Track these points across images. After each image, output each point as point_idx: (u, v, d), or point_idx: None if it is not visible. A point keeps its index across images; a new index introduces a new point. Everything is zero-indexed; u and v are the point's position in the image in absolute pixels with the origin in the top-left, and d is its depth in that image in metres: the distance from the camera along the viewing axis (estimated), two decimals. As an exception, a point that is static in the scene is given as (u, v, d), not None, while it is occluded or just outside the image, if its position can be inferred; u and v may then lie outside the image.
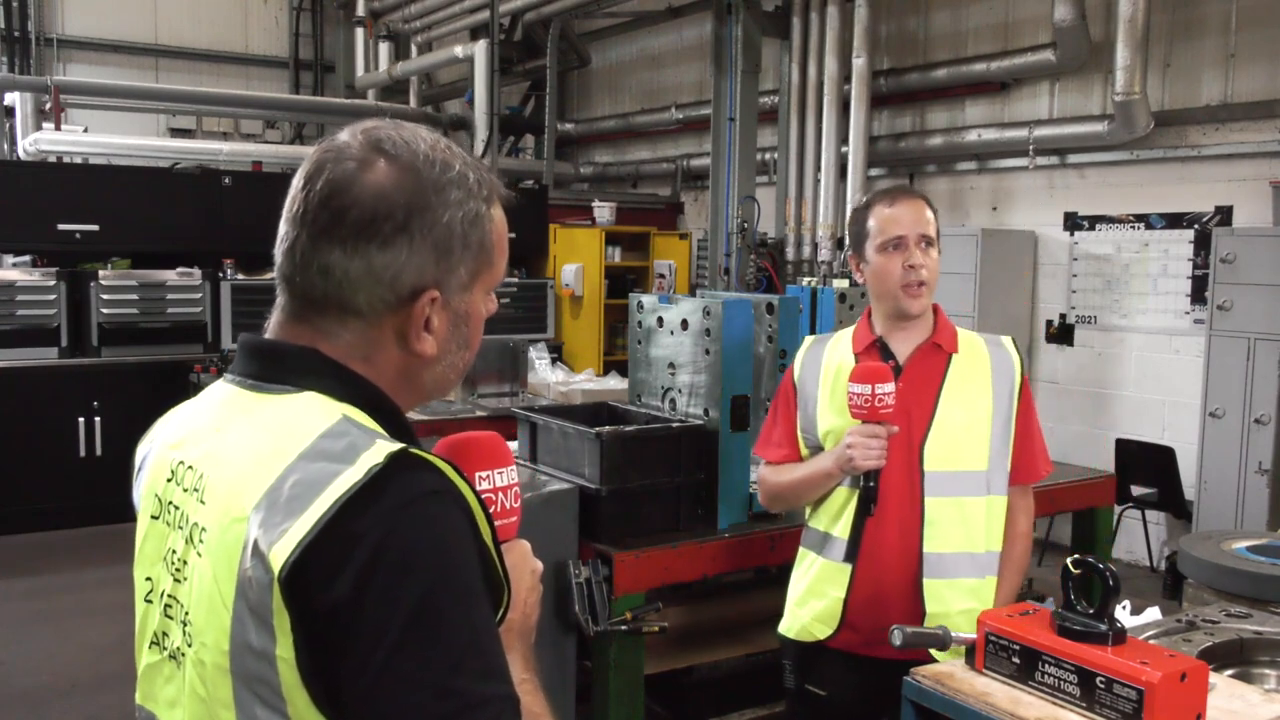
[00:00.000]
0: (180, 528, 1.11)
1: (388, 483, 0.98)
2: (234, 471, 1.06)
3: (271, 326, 1.16)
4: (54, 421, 7.02)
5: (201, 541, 1.06)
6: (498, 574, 1.05)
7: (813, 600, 2.53)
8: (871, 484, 2.39)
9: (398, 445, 1.02)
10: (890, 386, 2.31)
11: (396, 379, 1.15)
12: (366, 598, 0.95)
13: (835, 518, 2.50)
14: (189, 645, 1.07)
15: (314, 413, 1.07)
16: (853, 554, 2.46)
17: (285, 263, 1.13)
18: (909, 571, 2.41)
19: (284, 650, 0.98)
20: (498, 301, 1.22)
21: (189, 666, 1.07)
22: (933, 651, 2.23)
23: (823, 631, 2.50)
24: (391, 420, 1.11)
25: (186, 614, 1.08)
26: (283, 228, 1.13)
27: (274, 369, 1.12)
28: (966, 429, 2.42)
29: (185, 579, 1.09)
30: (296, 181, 1.13)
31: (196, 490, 1.10)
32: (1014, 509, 2.51)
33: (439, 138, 1.17)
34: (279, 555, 0.97)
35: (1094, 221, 7.02)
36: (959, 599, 2.40)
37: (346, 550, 0.95)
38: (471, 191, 1.14)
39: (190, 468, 1.12)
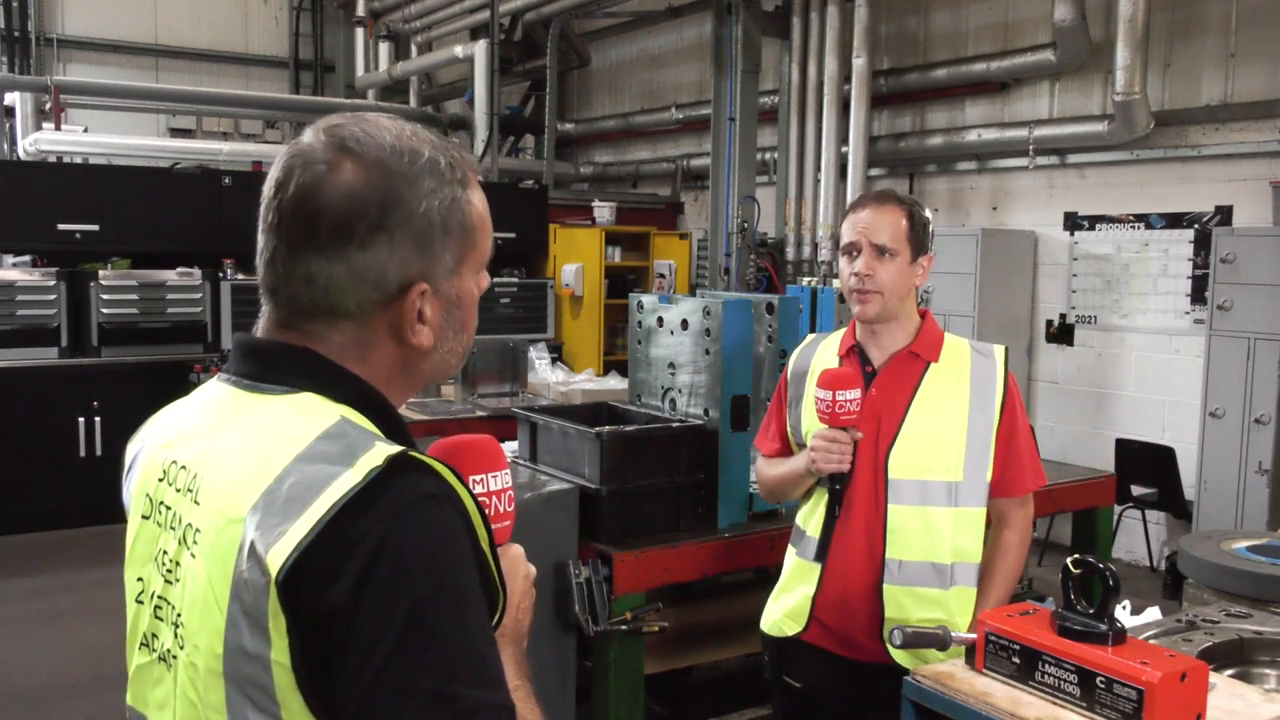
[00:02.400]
0: (172, 528, 1.10)
1: (386, 486, 0.97)
2: (230, 472, 1.05)
3: (263, 328, 1.15)
4: (54, 421, 7.02)
5: (195, 543, 1.05)
6: (494, 579, 1.05)
7: (785, 596, 2.56)
8: (838, 486, 2.40)
9: (396, 448, 1.01)
10: (854, 393, 2.32)
11: (394, 373, 1.14)
12: (363, 602, 0.94)
13: (810, 516, 2.54)
14: (181, 648, 1.06)
15: (311, 413, 1.06)
16: (822, 554, 2.48)
17: (268, 274, 1.11)
18: (873, 575, 2.42)
19: (279, 654, 0.96)
20: (490, 279, 1.21)
21: (180, 669, 1.06)
22: (896, 654, 2.24)
23: (792, 628, 2.52)
24: (387, 421, 1.10)
25: (178, 616, 1.07)
26: (260, 238, 1.11)
27: (270, 369, 1.11)
28: (935, 439, 2.41)
29: (177, 580, 1.08)
30: (267, 189, 1.11)
31: (190, 491, 1.08)
32: (1003, 521, 2.50)
33: (403, 125, 1.14)
34: (276, 558, 0.96)
35: (1094, 221, 7.03)
36: (920, 607, 2.39)
37: (344, 554, 0.94)
38: (444, 177, 1.12)
39: (183, 468, 1.11)
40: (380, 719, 0.94)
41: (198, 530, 1.05)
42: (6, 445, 6.85)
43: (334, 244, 1.07)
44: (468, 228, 1.14)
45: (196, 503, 1.07)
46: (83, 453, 7.06)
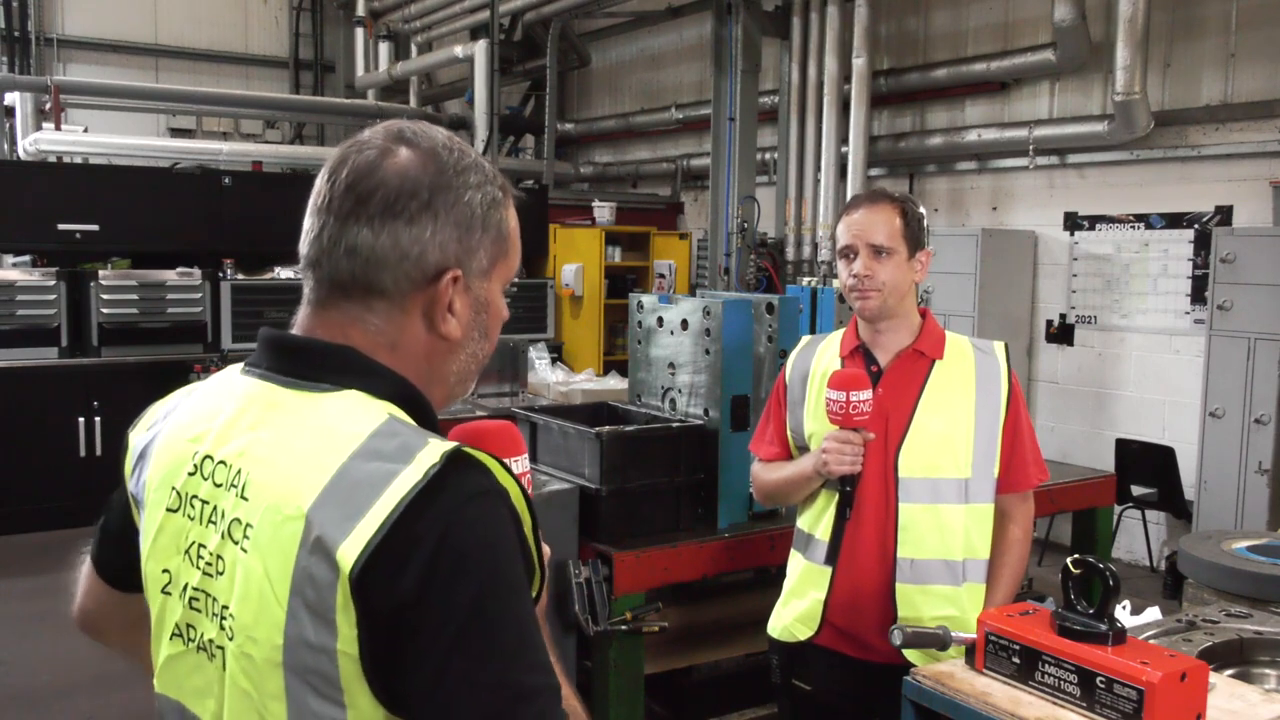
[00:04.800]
0: (211, 523, 1.12)
1: (444, 483, 1.01)
2: (282, 469, 1.07)
3: (299, 321, 1.18)
4: (54, 421, 7.01)
5: (246, 538, 1.07)
6: (534, 561, 1.09)
7: (795, 601, 2.55)
8: (848, 488, 2.40)
9: (450, 444, 1.05)
10: (866, 394, 2.31)
11: (423, 367, 1.17)
12: (427, 597, 0.98)
13: (817, 520, 2.52)
14: (229, 639, 1.08)
15: (360, 412, 1.09)
16: (832, 557, 2.46)
17: (312, 249, 1.15)
18: (885, 576, 2.41)
19: (345, 645, 1.00)
20: (508, 312, 1.26)
21: (230, 660, 1.08)
22: (907, 653, 2.24)
23: (804, 632, 2.51)
24: (424, 416, 1.14)
25: (225, 609, 1.09)
26: (308, 221, 1.16)
27: (310, 366, 1.13)
28: (945, 436, 2.41)
29: (221, 574, 1.10)
30: (321, 176, 1.16)
31: (234, 486, 1.10)
32: (1008, 516, 2.50)
33: (453, 134, 1.21)
34: (348, 554, 0.99)
35: (1094, 221, 7.03)
36: (933, 605, 2.39)
37: (409, 551, 0.99)
38: (488, 177, 1.19)
39: (222, 463, 1.12)
40: (448, 705, 0.99)
41: (248, 525, 1.07)
42: (6, 445, 6.84)
43: (383, 217, 1.12)
44: (504, 232, 1.20)
45: (244, 498, 1.09)
46: (83, 453, 7.05)
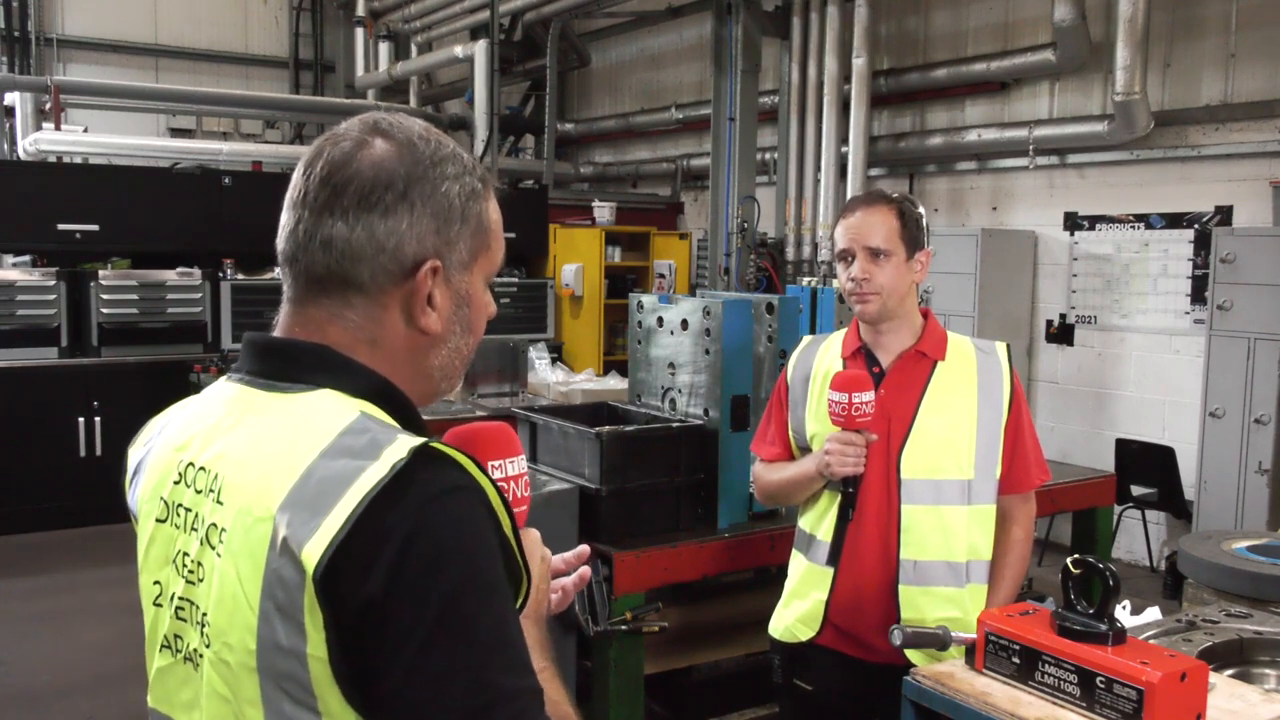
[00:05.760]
0: (193, 530, 1.10)
1: (411, 478, 0.98)
2: (253, 471, 1.06)
3: (280, 321, 1.16)
4: (54, 421, 7.02)
5: (221, 542, 1.06)
6: (517, 565, 1.06)
7: (796, 601, 2.55)
8: (850, 490, 2.39)
9: (418, 440, 1.02)
10: (869, 395, 2.31)
11: (404, 363, 1.15)
12: (396, 595, 0.95)
13: (819, 520, 2.51)
14: (207, 646, 1.07)
15: (332, 410, 1.07)
16: (834, 558, 2.46)
17: (288, 245, 1.13)
18: (887, 577, 2.41)
19: (315, 648, 0.97)
20: (496, 303, 1.23)
21: (208, 667, 1.07)
22: (908, 653, 2.24)
23: (805, 633, 2.51)
24: (404, 412, 1.12)
25: (204, 615, 1.07)
26: (284, 216, 1.14)
27: (285, 367, 1.12)
28: (947, 438, 2.41)
29: (201, 580, 1.08)
30: (297, 170, 1.15)
31: (212, 491, 1.09)
32: (1009, 517, 2.50)
33: (430, 125, 1.19)
34: (312, 554, 0.97)
35: (1094, 221, 7.03)
36: (936, 606, 2.39)
37: (376, 547, 0.96)
38: (467, 168, 1.16)
39: (202, 469, 1.11)
40: (418, 708, 0.96)
41: (223, 530, 1.06)
42: (6, 445, 6.85)
43: (358, 209, 1.10)
44: (484, 224, 1.17)
45: (219, 502, 1.07)
46: (83, 453, 7.05)
